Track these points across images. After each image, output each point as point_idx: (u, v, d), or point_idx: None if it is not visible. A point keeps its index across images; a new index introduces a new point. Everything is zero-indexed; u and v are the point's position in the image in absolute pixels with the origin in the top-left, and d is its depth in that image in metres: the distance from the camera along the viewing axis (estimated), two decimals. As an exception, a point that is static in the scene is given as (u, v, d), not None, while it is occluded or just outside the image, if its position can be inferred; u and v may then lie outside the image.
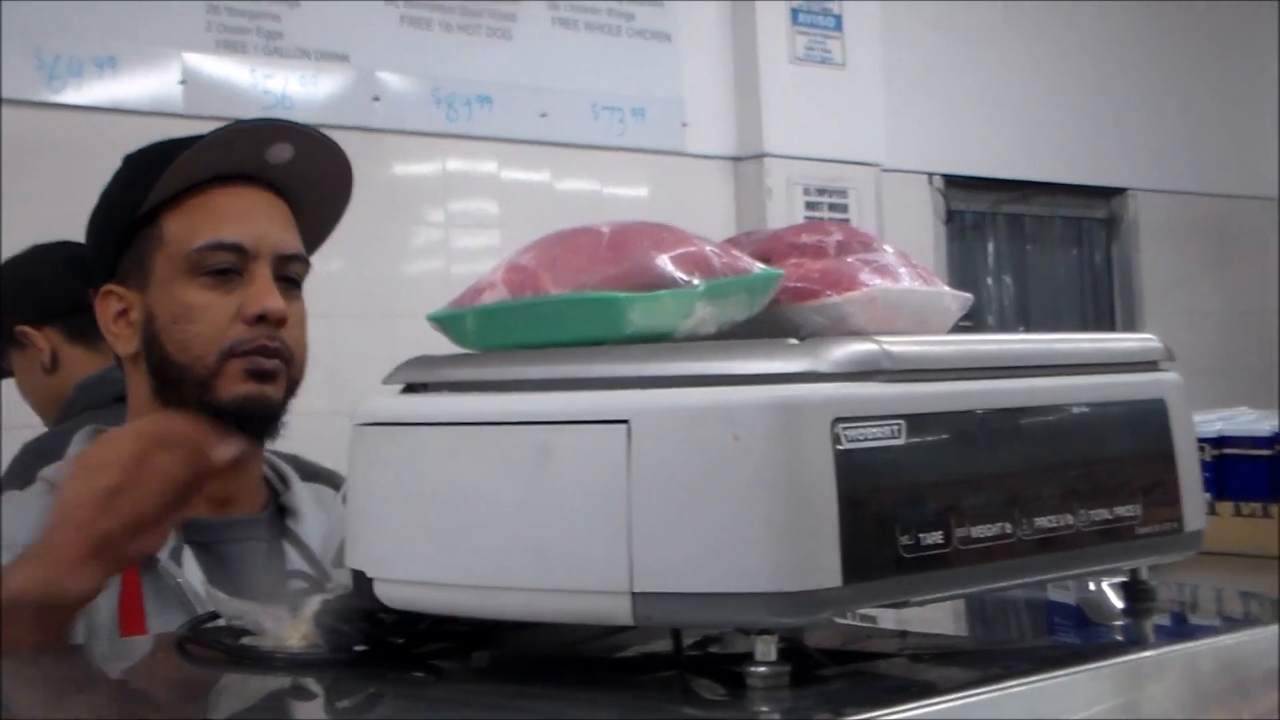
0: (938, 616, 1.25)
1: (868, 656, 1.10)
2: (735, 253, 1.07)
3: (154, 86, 3.65)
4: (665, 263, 1.02)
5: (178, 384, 1.58)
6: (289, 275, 1.63)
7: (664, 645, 1.08)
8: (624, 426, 0.88)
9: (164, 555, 1.52)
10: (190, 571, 1.54)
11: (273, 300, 1.57)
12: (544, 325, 1.02)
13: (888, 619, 1.21)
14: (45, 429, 2.42)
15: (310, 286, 3.82)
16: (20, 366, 2.50)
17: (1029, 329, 5.60)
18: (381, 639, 1.05)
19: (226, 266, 1.58)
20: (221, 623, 1.15)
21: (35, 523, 1.45)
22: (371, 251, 4.06)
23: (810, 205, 4.82)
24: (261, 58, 3.83)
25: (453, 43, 4.17)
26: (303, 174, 1.64)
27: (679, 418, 0.88)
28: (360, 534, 1.01)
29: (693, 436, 0.87)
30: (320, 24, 3.92)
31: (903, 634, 1.20)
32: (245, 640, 1.11)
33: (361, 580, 1.00)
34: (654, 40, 4.61)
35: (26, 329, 2.46)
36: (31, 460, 2.00)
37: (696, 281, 1.01)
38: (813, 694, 0.92)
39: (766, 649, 0.88)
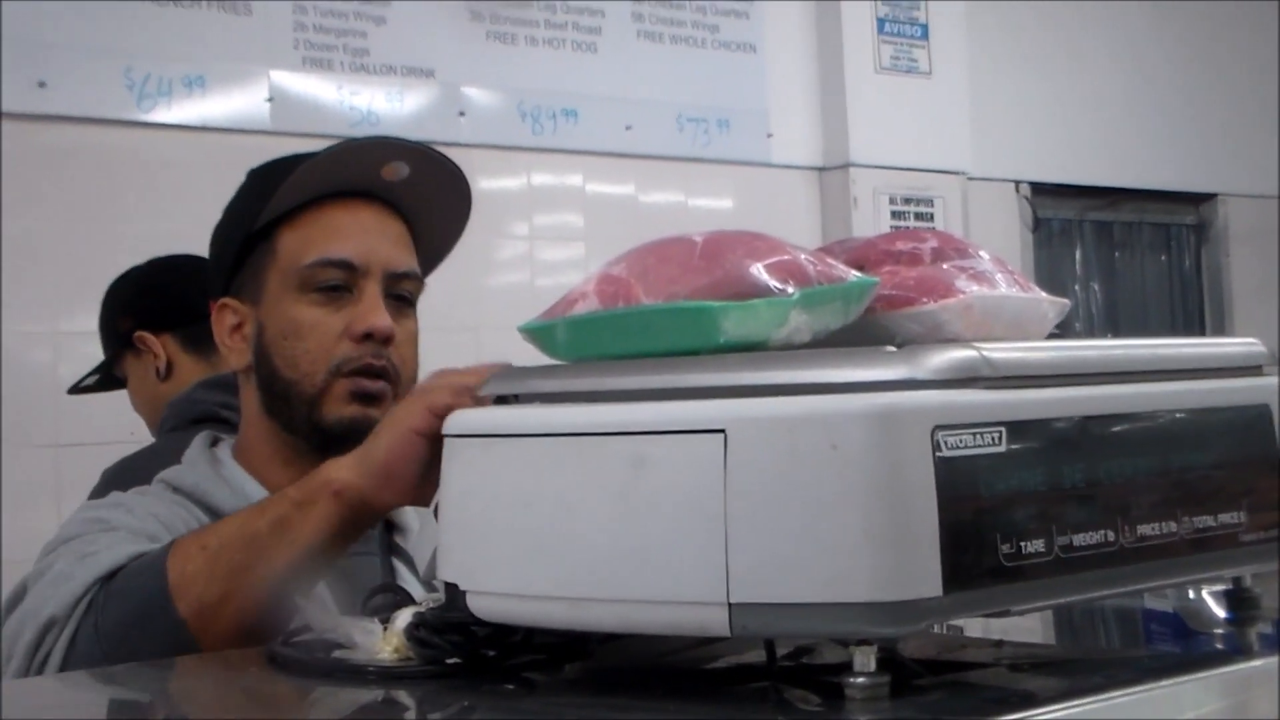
0: (1031, 625, 1.23)
1: (964, 666, 1.09)
2: (830, 261, 1.06)
3: (241, 104, 3.69)
4: (759, 271, 1.01)
5: (285, 399, 1.58)
6: (400, 294, 1.62)
7: (757, 657, 1.07)
8: (720, 436, 0.88)
9: None
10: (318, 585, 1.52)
11: (380, 318, 1.57)
12: (636, 335, 1.01)
13: (977, 628, 1.19)
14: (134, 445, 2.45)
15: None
16: (135, 373, 2.55)
17: (1118, 337, 5.53)
18: (474, 651, 1.05)
19: (336, 283, 1.58)
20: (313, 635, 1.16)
21: (177, 514, 1.48)
22: (456, 264, 4.05)
23: (896, 214, 4.79)
24: (348, 74, 3.87)
25: (538, 56, 4.19)
26: (420, 192, 1.64)
27: (776, 427, 0.87)
28: (453, 546, 1.01)
29: (790, 446, 0.86)
30: (406, 40, 3.95)
31: (998, 643, 1.18)
32: (337, 653, 1.11)
33: (454, 593, 1.00)
34: (739, 51, 4.59)
35: (145, 335, 2.51)
36: (112, 484, 2.01)
37: (791, 290, 1.00)
38: (911, 705, 0.91)
39: (865, 660, 0.87)
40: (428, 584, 1.61)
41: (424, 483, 1.30)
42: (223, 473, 1.62)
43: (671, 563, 0.89)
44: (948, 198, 4.93)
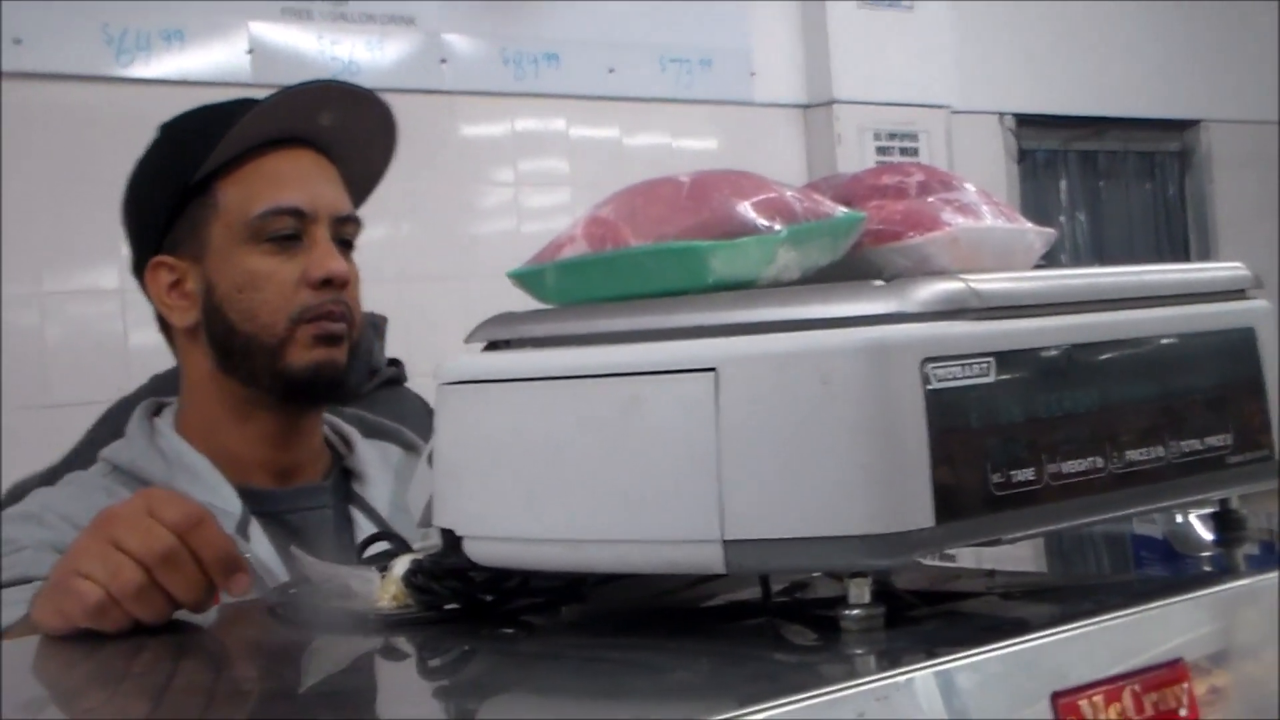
0: (1022, 554, 1.24)
1: (957, 596, 1.10)
2: (816, 197, 1.06)
3: (221, 57, 3.67)
4: (746, 210, 1.01)
5: (245, 353, 1.57)
6: (344, 237, 1.62)
7: (751, 594, 1.08)
8: (711, 375, 0.88)
9: (231, 529, 1.51)
10: (259, 543, 1.53)
11: (336, 263, 1.57)
12: (625, 277, 1.01)
13: (970, 558, 1.20)
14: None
15: (383, 249, 3.89)
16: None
17: (1104, 265, 5.52)
18: (472, 597, 1.05)
19: (288, 232, 1.57)
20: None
21: (100, 503, 1.46)
22: (443, 213, 4.07)
23: (881, 150, 4.78)
24: (328, 24, 3.84)
25: (518, 2, 4.16)
26: (352, 135, 1.64)
27: (766, 364, 0.87)
28: (448, 492, 1.01)
29: (781, 382, 0.87)
30: (384, -12, 3.93)
31: (990, 573, 1.20)
32: (336, 603, 1.12)
33: (451, 539, 1.01)
34: (719, -11, 4.57)
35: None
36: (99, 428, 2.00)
37: (779, 227, 1.00)
38: (906, 635, 0.92)
39: (860, 592, 0.88)
40: (386, 529, 1.61)
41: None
42: (159, 444, 1.60)
43: (666, 502, 0.89)
44: (932, 132, 4.92)
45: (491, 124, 4.18)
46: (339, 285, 1.57)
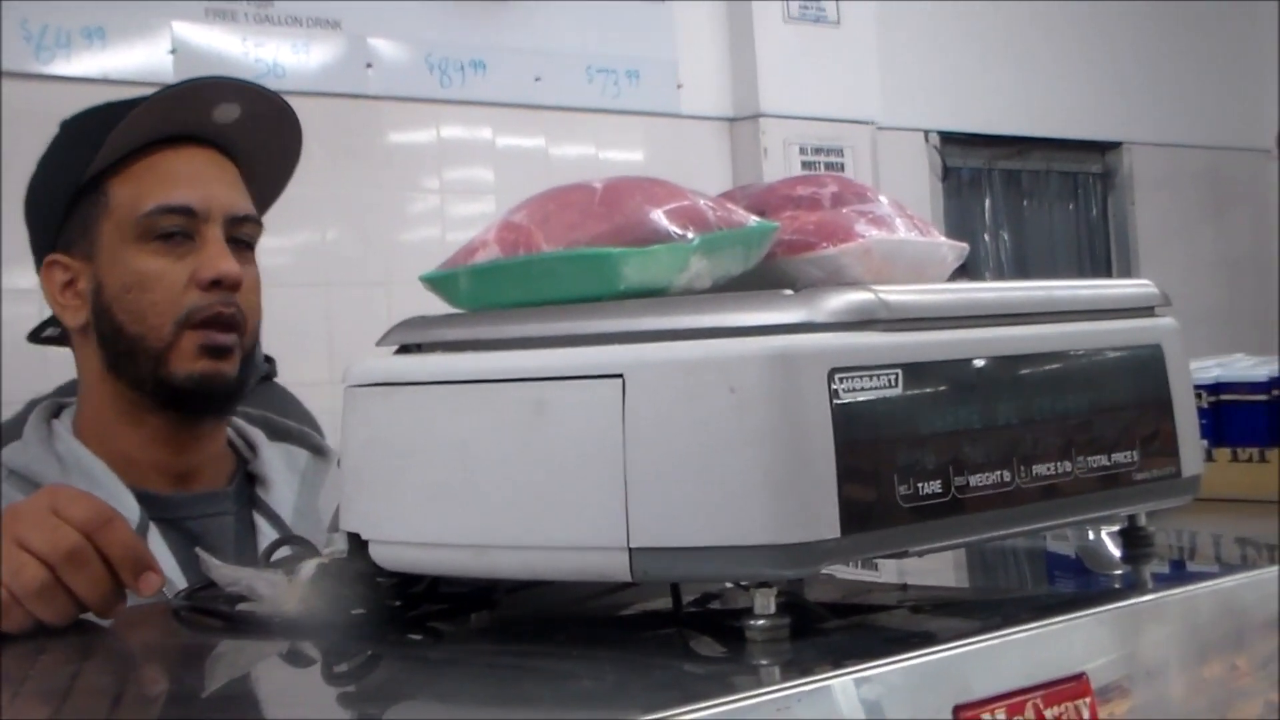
0: (939, 568, 1.25)
1: (868, 609, 1.10)
2: (730, 206, 1.06)
3: (144, 56, 3.63)
4: (659, 217, 1.01)
5: (131, 356, 1.54)
6: (240, 238, 1.58)
7: (664, 604, 1.07)
8: (618, 381, 0.88)
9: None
10: (157, 550, 1.47)
11: (227, 264, 1.53)
12: (538, 283, 1.01)
13: (890, 572, 1.21)
14: None
15: (305, 255, 3.87)
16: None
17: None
18: (378, 602, 1.04)
19: (176, 230, 1.53)
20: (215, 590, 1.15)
21: None
22: (367, 219, 4.05)
23: (806, 165, 4.80)
24: (252, 25, 3.81)
25: (445, 8, 4.15)
26: (251, 133, 1.60)
27: (674, 371, 0.87)
28: (355, 496, 1.00)
29: (688, 389, 0.87)
30: (310, -10, 3.91)
31: (903, 587, 1.20)
32: (241, 606, 1.10)
33: (357, 543, 1.00)
34: (648, 1, 4.58)
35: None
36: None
37: (691, 235, 1.00)
38: (813, 646, 0.92)
39: (765, 602, 0.88)
40: (294, 537, 1.58)
41: None
42: (56, 447, 1.57)
43: (573, 509, 0.89)
44: (857, 147, 4.95)
45: (417, 130, 4.17)
46: (229, 286, 1.53)
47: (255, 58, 3.81)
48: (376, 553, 0.98)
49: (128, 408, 1.56)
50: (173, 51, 3.67)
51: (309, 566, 1.07)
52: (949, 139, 5.45)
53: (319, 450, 1.70)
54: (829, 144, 4.88)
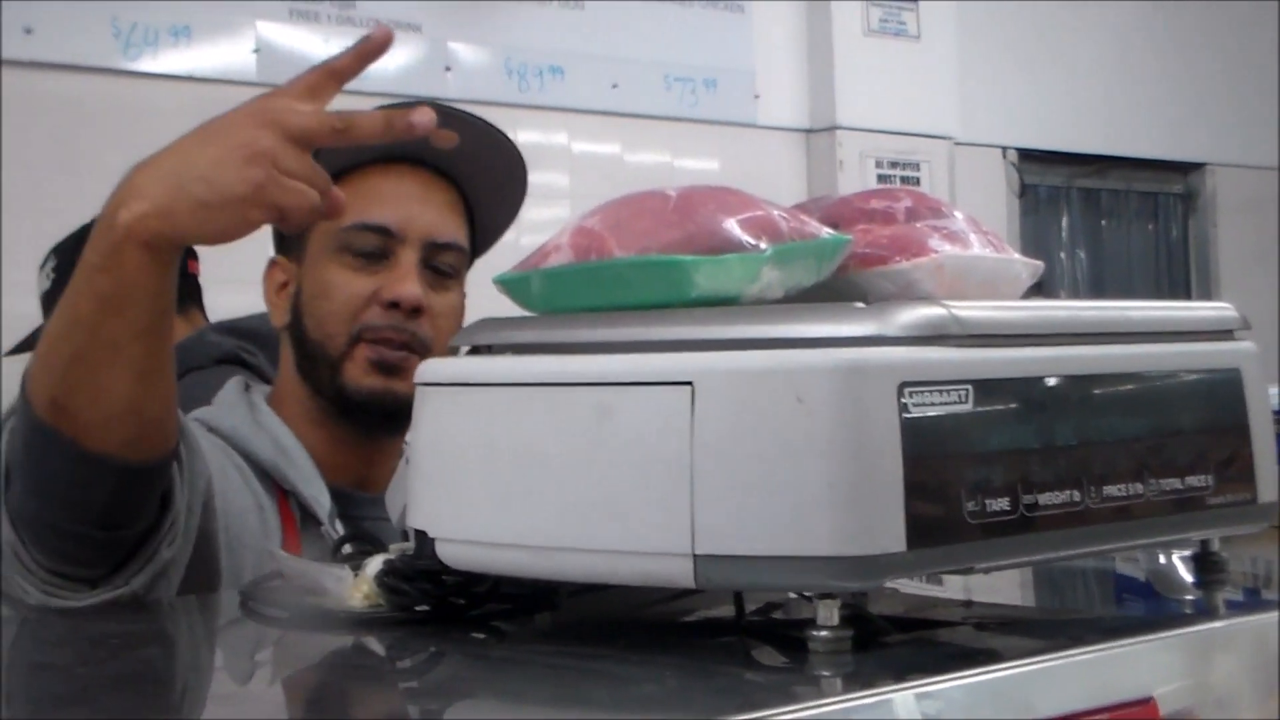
0: (1003, 586, 1.24)
1: (932, 624, 1.09)
2: (803, 218, 1.06)
3: (228, 55, 3.68)
4: (732, 226, 1.01)
5: (313, 361, 1.57)
6: (438, 265, 1.58)
7: (726, 611, 1.07)
8: (688, 388, 0.88)
9: (325, 520, 1.52)
10: None
11: (409, 288, 1.54)
12: (609, 288, 1.01)
13: (953, 588, 1.20)
14: None
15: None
16: None
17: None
18: (443, 599, 1.05)
19: (371, 249, 1.55)
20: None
21: (218, 459, 1.45)
22: (442, 222, 4.07)
23: (882, 178, 4.79)
24: (334, 26, 3.85)
25: (525, 12, 4.17)
26: (475, 162, 1.60)
27: (743, 380, 0.87)
28: (423, 494, 1.01)
29: (757, 399, 0.87)
30: (393, -7, 3.94)
31: (968, 603, 1.19)
32: (308, 599, 1.11)
33: (424, 540, 1.00)
34: (727, 10, 4.58)
35: None
36: None
37: (763, 246, 1.00)
38: (875, 659, 0.92)
39: (829, 613, 0.88)
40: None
41: (249, 208, 1.18)
42: (259, 419, 1.60)
43: (638, 514, 0.89)
44: (934, 162, 4.93)
45: (494, 134, 4.18)
46: (408, 310, 1.54)
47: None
48: (443, 551, 0.99)
49: (314, 410, 1.59)
50: (256, 51, 3.71)
51: (375, 562, 1.08)
52: (1027, 156, 5.41)
53: None
54: (905, 158, 4.86)
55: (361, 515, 1.57)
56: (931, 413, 0.88)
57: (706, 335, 0.91)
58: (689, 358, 0.90)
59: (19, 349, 2.65)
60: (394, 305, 1.54)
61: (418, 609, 1.06)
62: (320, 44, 3.83)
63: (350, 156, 1.57)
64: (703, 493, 0.87)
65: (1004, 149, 5.35)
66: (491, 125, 1.62)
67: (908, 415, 0.86)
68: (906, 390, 0.87)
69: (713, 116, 4.54)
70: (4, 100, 3.37)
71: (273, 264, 1.63)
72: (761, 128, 4.67)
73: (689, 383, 0.88)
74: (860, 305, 0.92)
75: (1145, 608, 1.32)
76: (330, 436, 1.60)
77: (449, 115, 1.59)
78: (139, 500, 1.25)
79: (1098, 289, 5.70)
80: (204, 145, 1.22)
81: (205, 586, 1.35)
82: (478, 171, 1.62)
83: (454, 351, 1.56)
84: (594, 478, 0.91)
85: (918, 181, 4.85)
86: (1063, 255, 5.64)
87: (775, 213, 1.04)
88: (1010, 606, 1.25)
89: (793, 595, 1.04)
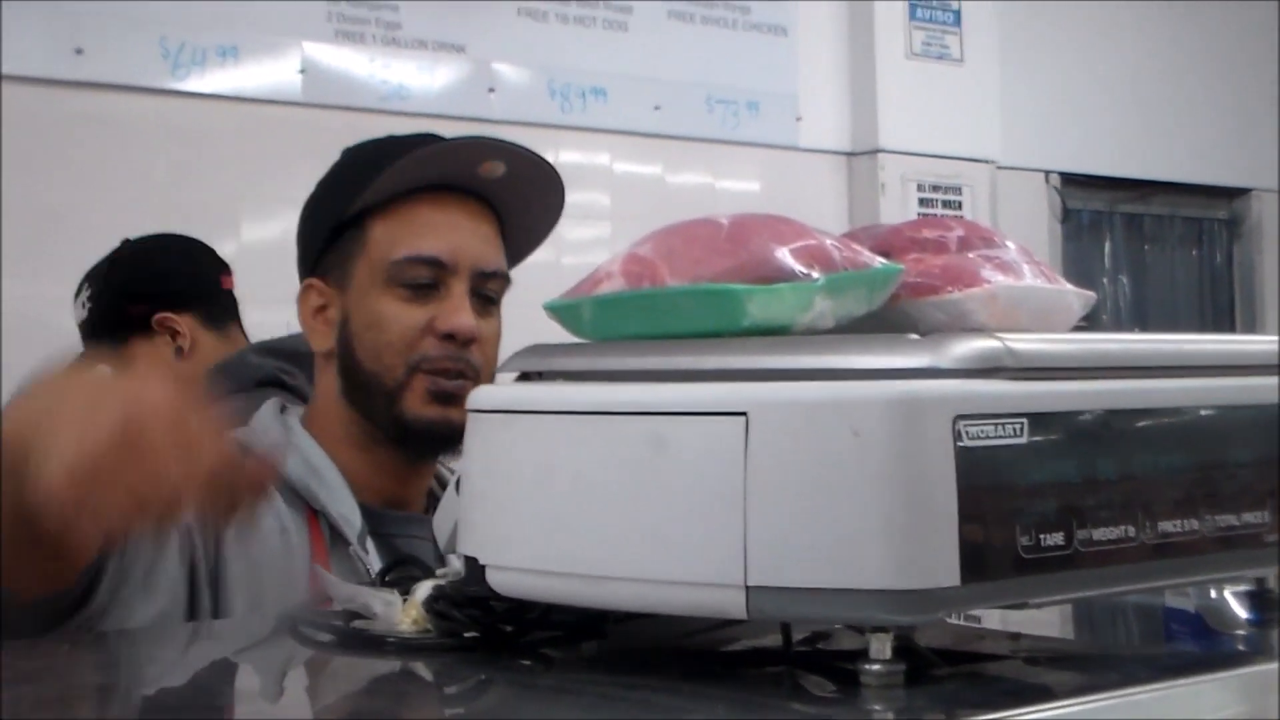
0: (1047, 617, 1.23)
1: (980, 658, 1.08)
2: (855, 247, 1.05)
3: (274, 75, 3.70)
4: (785, 255, 1.01)
5: (366, 390, 1.58)
6: (485, 292, 1.61)
7: (772, 640, 1.07)
8: (742, 419, 0.87)
9: (354, 540, 1.54)
10: (374, 560, 1.55)
11: (464, 319, 1.56)
12: (660, 316, 1.01)
13: (993, 619, 1.19)
14: None
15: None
16: (147, 356, 2.51)
17: (1145, 331, 5.50)
18: (492, 626, 1.05)
19: (424, 281, 1.57)
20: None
21: None
22: (484, 242, 4.08)
23: (924, 202, 4.78)
24: (379, 48, 3.87)
25: (568, 34, 4.19)
26: (515, 190, 1.62)
27: (798, 411, 0.87)
28: (474, 520, 1.01)
29: (811, 431, 0.86)
30: (438, 15, 3.96)
31: (1015, 636, 1.18)
32: (356, 624, 1.11)
33: (474, 567, 1.00)
34: (770, 34, 4.59)
35: (170, 316, 2.49)
36: None
37: (816, 275, 1.00)
38: (927, 694, 0.91)
39: (882, 647, 0.87)
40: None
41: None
42: (294, 440, 1.61)
43: (690, 544, 0.89)
44: (976, 186, 4.92)
45: (536, 155, 4.20)
46: (463, 341, 1.56)
47: (381, 79, 3.86)
48: (493, 578, 0.99)
49: (358, 434, 1.61)
50: (302, 71, 3.74)
51: (424, 588, 1.08)
52: (1070, 180, 5.39)
53: None
54: (947, 181, 4.85)
55: (393, 533, 1.60)
56: (986, 446, 0.87)
57: (761, 365, 0.91)
58: (744, 388, 0.89)
59: None
60: (449, 336, 1.56)
61: (466, 635, 1.06)
62: (365, 64, 3.86)
63: (395, 186, 1.58)
64: (756, 524, 0.87)
65: (1047, 173, 5.33)
66: (537, 155, 1.63)
67: (963, 448, 0.86)
68: (961, 423, 0.86)
69: (754, 139, 4.54)
70: (54, 119, 3.40)
71: (308, 286, 1.64)
72: (803, 150, 4.67)
73: (744, 413, 0.88)
74: (914, 337, 0.92)
75: (1196, 643, 1.31)
76: (372, 460, 1.61)
77: (497, 147, 1.61)
78: (37, 617, 1.24)
79: (1140, 316, 5.67)
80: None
81: (197, 614, 1.37)
82: (517, 199, 1.64)
83: (490, 378, 1.59)
84: (646, 507, 0.91)
85: (960, 206, 4.84)
86: (1105, 281, 5.61)
87: (828, 242, 1.04)
88: (1058, 640, 1.23)
89: (839, 626, 1.04)
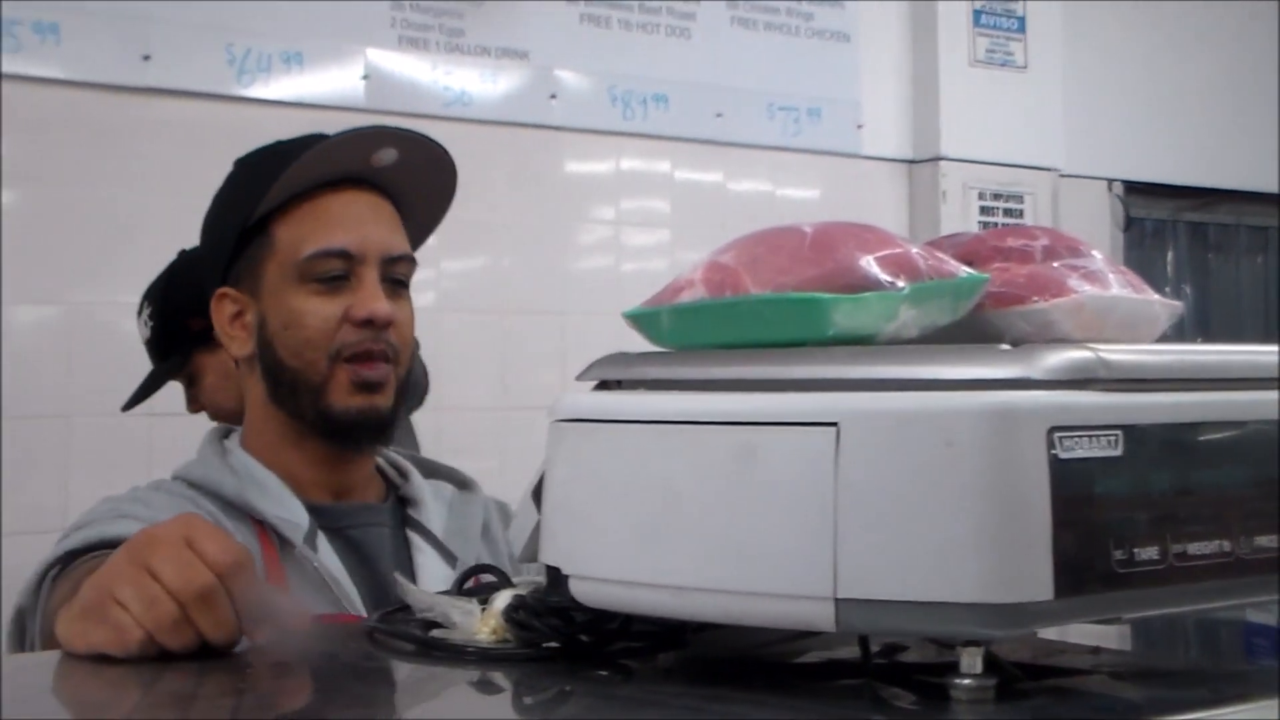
0: (1121, 630, 1.21)
1: (1064, 672, 1.07)
2: (940, 255, 1.04)
3: (338, 82, 3.72)
4: (870, 264, 1.00)
5: (292, 388, 1.62)
6: (395, 276, 1.65)
7: (847, 652, 1.06)
8: (833, 429, 0.87)
9: (300, 540, 1.56)
10: (326, 555, 1.58)
11: (379, 304, 1.60)
12: (743, 325, 1.00)
13: (1050, 632, 1.17)
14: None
15: (481, 280, 3.91)
16: (213, 369, 2.51)
17: (1211, 341, 5.44)
18: (572, 636, 1.05)
19: (336, 274, 1.61)
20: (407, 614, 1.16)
21: (179, 510, 1.48)
22: (543, 248, 4.09)
23: (985, 210, 4.74)
24: (443, 54, 3.88)
25: (631, 41, 4.18)
26: (409, 175, 1.66)
27: (890, 422, 0.86)
28: (556, 530, 1.00)
29: (904, 441, 0.85)
30: (501, 22, 3.96)
31: (1095, 650, 1.17)
32: (435, 632, 1.11)
33: (557, 576, 1.00)
34: (832, 40, 4.57)
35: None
36: None
37: (901, 284, 0.99)
38: (1018, 709, 0.90)
39: (973, 661, 0.86)
40: (445, 552, 1.65)
41: None
42: (230, 462, 1.66)
43: (778, 555, 0.88)
44: (1038, 194, 4.88)
45: (597, 161, 4.20)
46: (380, 325, 1.60)
47: (444, 85, 3.87)
48: (577, 588, 0.99)
49: (289, 432, 1.65)
50: (365, 78, 3.75)
51: (503, 597, 1.08)
52: (1133, 188, 5.34)
53: (464, 484, 1.78)
54: (1009, 189, 4.81)
55: (346, 525, 1.64)
56: (1081, 458, 0.86)
57: (851, 375, 0.90)
58: (834, 398, 0.89)
59: (137, 399, 2.67)
60: (367, 323, 1.59)
61: (545, 645, 1.05)
62: (428, 70, 3.86)
63: (293, 187, 1.62)
64: (846, 535, 0.86)
65: (1109, 181, 5.28)
66: (425, 137, 1.67)
67: (1057, 460, 0.85)
68: (1056, 435, 0.85)
69: (816, 146, 4.52)
70: (121, 125, 3.43)
71: (222, 296, 1.67)
72: (864, 158, 4.65)
73: (835, 423, 0.87)
74: (1005, 347, 0.91)
75: (1278, 657, 1.29)
76: (307, 456, 1.65)
77: (385, 134, 1.64)
78: None
79: (1204, 325, 5.60)
80: None
81: None
82: (411, 182, 1.67)
83: (409, 359, 1.60)
84: (734, 517, 0.90)
85: (1021, 214, 4.81)
86: (1168, 290, 5.55)
87: (913, 250, 1.03)
88: (1138, 654, 1.22)
89: (919, 639, 1.03)
